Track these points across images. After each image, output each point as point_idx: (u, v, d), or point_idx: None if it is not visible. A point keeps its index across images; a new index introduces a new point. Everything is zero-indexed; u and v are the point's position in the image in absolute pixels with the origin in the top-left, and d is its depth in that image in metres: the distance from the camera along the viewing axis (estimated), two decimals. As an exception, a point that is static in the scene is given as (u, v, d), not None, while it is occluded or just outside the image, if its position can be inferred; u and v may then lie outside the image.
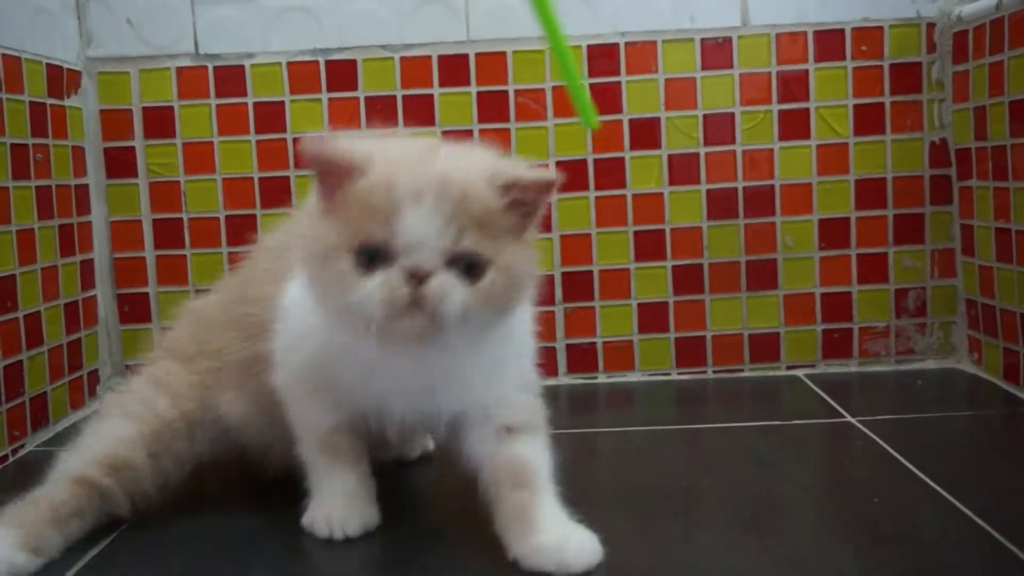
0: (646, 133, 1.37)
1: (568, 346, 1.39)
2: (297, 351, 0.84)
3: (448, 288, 0.69)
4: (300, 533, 0.86)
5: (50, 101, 1.28)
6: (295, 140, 1.38)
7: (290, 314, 0.85)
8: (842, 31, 1.36)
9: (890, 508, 0.87)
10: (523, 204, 0.73)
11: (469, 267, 0.70)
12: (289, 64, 1.37)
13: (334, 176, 0.72)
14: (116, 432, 0.90)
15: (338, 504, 0.85)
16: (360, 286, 0.70)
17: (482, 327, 0.74)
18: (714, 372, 1.41)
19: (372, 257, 0.70)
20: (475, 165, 0.72)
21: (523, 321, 0.84)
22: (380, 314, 0.69)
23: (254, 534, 0.88)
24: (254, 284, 0.92)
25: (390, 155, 0.72)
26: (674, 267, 1.39)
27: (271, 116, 1.38)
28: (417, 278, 0.69)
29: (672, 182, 1.37)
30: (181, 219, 1.39)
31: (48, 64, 1.28)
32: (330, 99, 1.38)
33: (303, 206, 0.88)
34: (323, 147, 0.72)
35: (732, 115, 1.37)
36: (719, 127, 1.37)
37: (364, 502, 0.86)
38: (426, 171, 0.70)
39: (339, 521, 0.84)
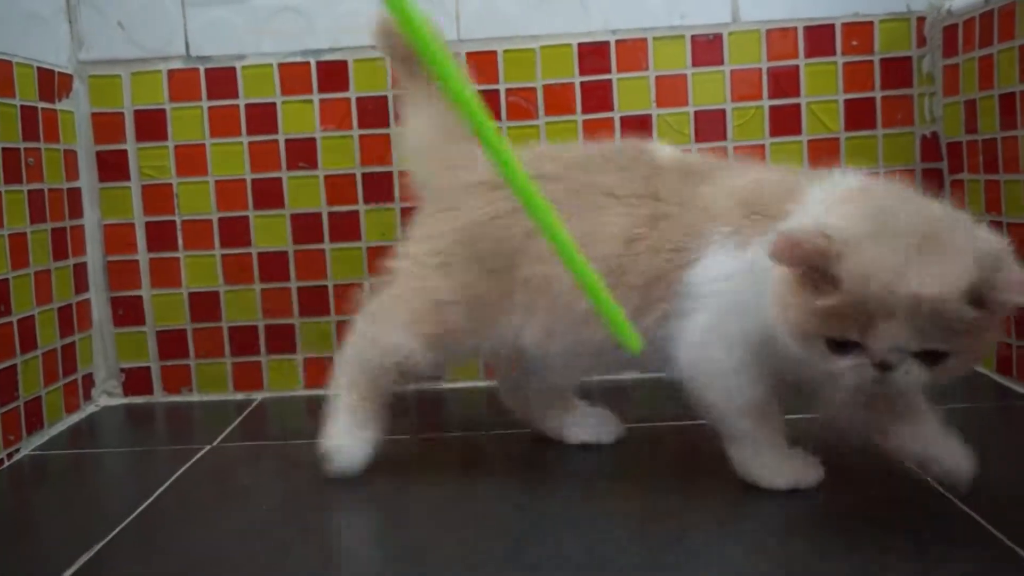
0: (638, 130, 1.37)
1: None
2: (730, 329, 0.88)
3: (912, 375, 0.75)
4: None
5: (41, 105, 1.28)
6: (287, 141, 1.38)
7: (720, 294, 0.88)
8: (832, 26, 1.36)
9: (884, 502, 0.88)
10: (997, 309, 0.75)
11: (932, 354, 0.74)
12: (280, 65, 1.37)
13: (809, 268, 0.75)
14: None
15: (791, 457, 0.93)
16: (833, 363, 0.76)
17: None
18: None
19: (844, 344, 0.75)
20: (951, 275, 0.72)
21: None
22: (848, 388, 0.77)
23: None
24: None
25: (862, 257, 0.73)
26: (667, 264, 1.39)
27: (263, 117, 1.38)
28: (886, 366, 0.75)
29: (664, 179, 1.37)
30: (174, 221, 1.39)
31: (39, 68, 1.28)
32: (321, 100, 1.38)
33: None
34: (798, 247, 0.75)
35: (723, 111, 1.37)
36: (710, 124, 1.37)
37: (806, 456, 0.94)
38: (899, 288, 0.72)
39: (800, 472, 0.92)
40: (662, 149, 0.99)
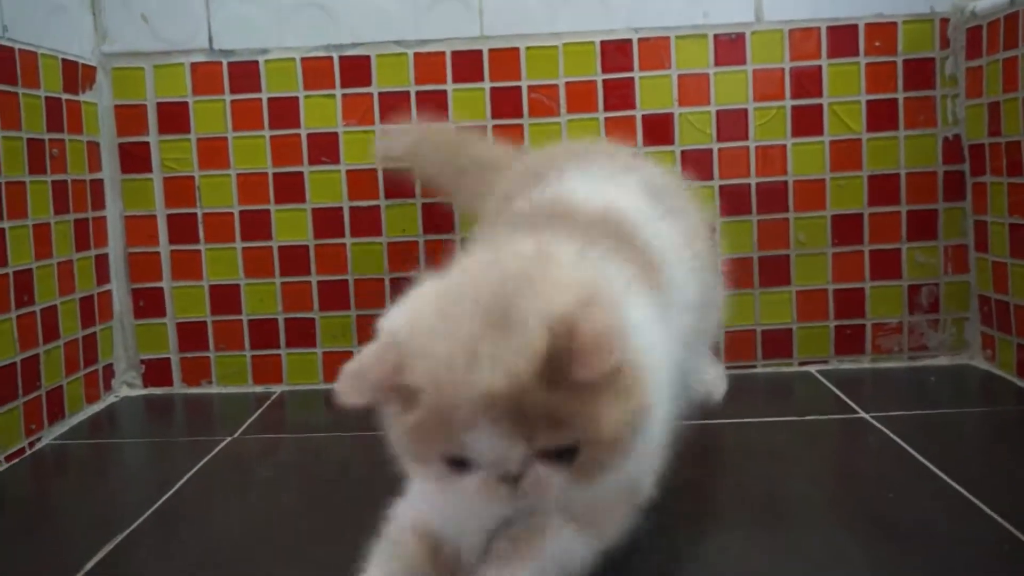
0: (659, 129, 1.37)
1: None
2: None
3: (544, 480, 0.62)
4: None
5: (65, 96, 1.28)
6: (309, 136, 1.38)
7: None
8: (855, 27, 1.36)
9: (904, 504, 0.88)
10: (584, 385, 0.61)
11: (559, 450, 0.61)
12: (303, 60, 1.38)
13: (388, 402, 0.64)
14: None
15: None
16: (462, 487, 0.63)
17: (602, 479, 0.65)
18: (727, 368, 1.40)
19: (463, 463, 0.62)
20: (516, 361, 0.59)
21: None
22: (486, 510, 0.66)
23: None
24: None
25: (426, 360, 0.61)
26: (687, 263, 1.39)
27: (285, 112, 1.38)
28: (513, 479, 0.62)
29: (685, 178, 1.38)
30: (195, 214, 1.40)
31: (64, 59, 1.28)
32: (344, 95, 1.38)
33: None
34: (362, 381, 0.63)
35: (745, 111, 1.37)
36: (732, 123, 1.37)
37: None
38: (464, 390, 0.59)
39: None
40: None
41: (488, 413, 0.59)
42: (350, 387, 0.62)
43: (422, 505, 0.71)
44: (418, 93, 1.38)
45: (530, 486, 0.62)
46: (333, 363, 1.39)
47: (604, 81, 1.37)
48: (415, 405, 0.61)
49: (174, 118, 1.39)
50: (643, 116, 1.37)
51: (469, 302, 0.62)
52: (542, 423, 0.59)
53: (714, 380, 1.08)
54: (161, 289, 1.41)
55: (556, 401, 0.59)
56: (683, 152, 1.37)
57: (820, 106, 1.37)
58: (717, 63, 1.37)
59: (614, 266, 0.70)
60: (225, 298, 1.41)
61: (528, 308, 0.60)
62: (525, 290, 0.62)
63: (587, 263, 0.68)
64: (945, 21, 1.35)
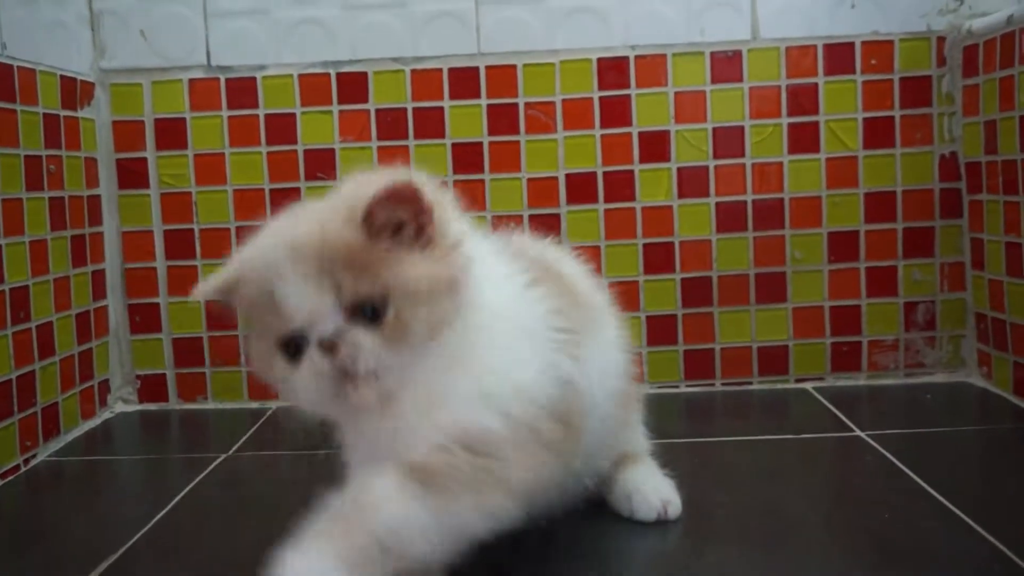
0: (656, 146, 1.37)
1: (577, 358, 1.39)
2: None
3: (362, 344, 0.65)
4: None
5: (63, 112, 1.29)
6: (306, 151, 1.39)
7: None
8: (852, 45, 1.36)
9: (899, 523, 0.87)
10: (398, 222, 0.68)
11: (374, 311, 0.66)
12: (300, 76, 1.38)
13: (236, 302, 0.71)
14: None
15: None
16: (297, 377, 0.67)
17: (415, 357, 0.67)
18: (723, 385, 1.41)
19: (291, 347, 0.67)
20: (325, 210, 0.68)
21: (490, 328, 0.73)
22: (320, 398, 0.68)
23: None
24: None
25: (248, 252, 0.70)
26: (683, 279, 1.39)
27: (282, 128, 1.39)
28: (330, 348, 0.65)
29: (681, 195, 1.38)
30: (192, 230, 1.40)
31: (62, 76, 1.29)
32: (341, 111, 1.38)
33: None
34: (201, 291, 0.72)
35: (742, 128, 1.37)
36: (729, 140, 1.37)
37: None
38: (277, 245, 0.66)
39: None
40: None
41: (295, 263, 0.65)
42: (198, 290, 0.71)
43: None
44: (415, 110, 1.38)
45: (347, 350, 0.65)
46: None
47: (601, 98, 1.37)
48: (247, 301, 0.68)
49: (172, 134, 1.39)
50: (639, 133, 1.37)
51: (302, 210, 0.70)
52: (349, 271, 0.65)
53: (642, 491, 0.92)
54: (157, 305, 1.41)
55: (364, 249, 0.65)
56: (679, 169, 1.37)
57: (816, 123, 1.37)
58: (714, 80, 1.37)
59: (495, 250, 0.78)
60: (221, 314, 1.40)
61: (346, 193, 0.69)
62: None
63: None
64: (942, 40, 1.36)
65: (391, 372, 0.66)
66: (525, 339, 0.74)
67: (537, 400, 0.71)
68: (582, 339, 0.78)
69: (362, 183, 0.68)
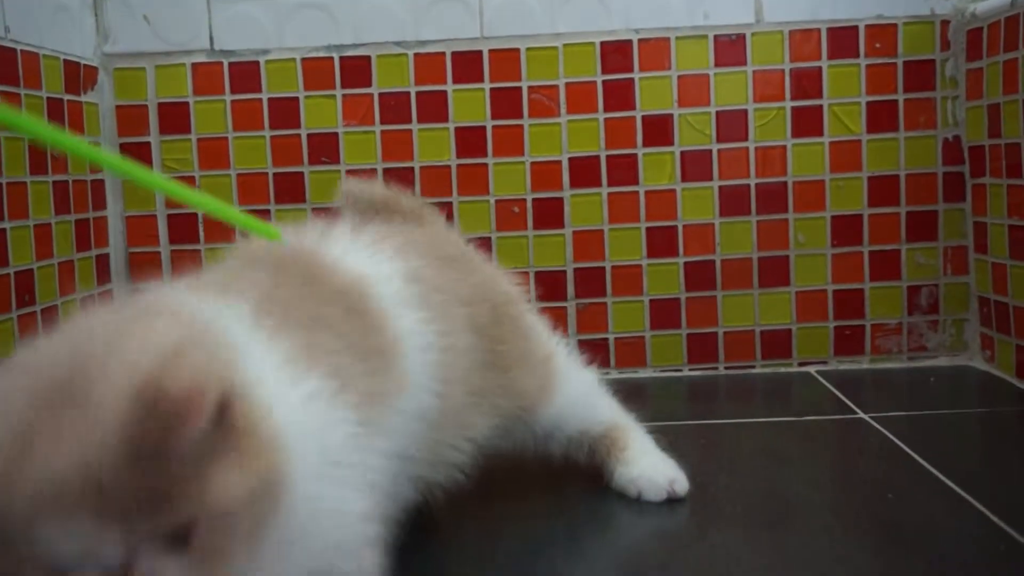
0: (659, 130, 1.37)
1: (580, 342, 1.40)
2: None
3: (158, 573, 0.47)
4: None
5: (67, 97, 1.29)
6: (309, 136, 1.39)
7: None
8: (855, 28, 1.36)
9: (903, 505, 0.88)
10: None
11: (175, 533, 0.48)
12: (303, 60, 1.38)
13: None
14: None
15: None
16: None
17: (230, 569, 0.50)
18: (726, 368, 1.41)
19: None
20: (96, 430, 0.46)
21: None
22: None
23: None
24: None
25: None
26: (686, 263, 1.39)
27: (285, 112, 1.39)
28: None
29: (685, 179, 1.38)
30: (196, 214, 1.40)
31: (66, 60, 1.29)
32: (344, 95, 1.38)
33: None
34: None
35: (745, 112, 1.37)
36: (732, 124, 1.37)
37: None
38: (26, 485, 0.45)
39: None
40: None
41: (57, 506, 0.45)
42: None
43: None
44: (418, 94, 1.38)
45: None
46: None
47: (604, 82, 1.37)
48: None
49: (175, 118, 1.39)
50: (643, 117, 1.37)
51: (25, 380, 0.49)
52: (139, 504, 0.46)
53: (646, 473, 0.92)
54: (162, 289, 1.41)
55: (153, 474, 0.46)
56: (683, 153, 1.37)
57: (820, 107, 1.37)
58: (717, 64, 1.37)
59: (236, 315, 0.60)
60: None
61: (107, 375, 0.47)
62: (104, 356, 0.49)
63: (199, 311, 0.57)
64: (946, 23, 1.35)
65: None
66: (350, 481, 0.61)
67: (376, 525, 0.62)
68: (392, 402, 0.68)
69: (118, 373, 0.47)
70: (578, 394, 0.94)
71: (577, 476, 0.98)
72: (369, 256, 0.76)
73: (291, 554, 0.55)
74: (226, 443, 0.49)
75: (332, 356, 0.63)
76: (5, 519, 0.45)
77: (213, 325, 0.56)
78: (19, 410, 0.47)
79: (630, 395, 1.33)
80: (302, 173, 1.39)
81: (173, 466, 0.46)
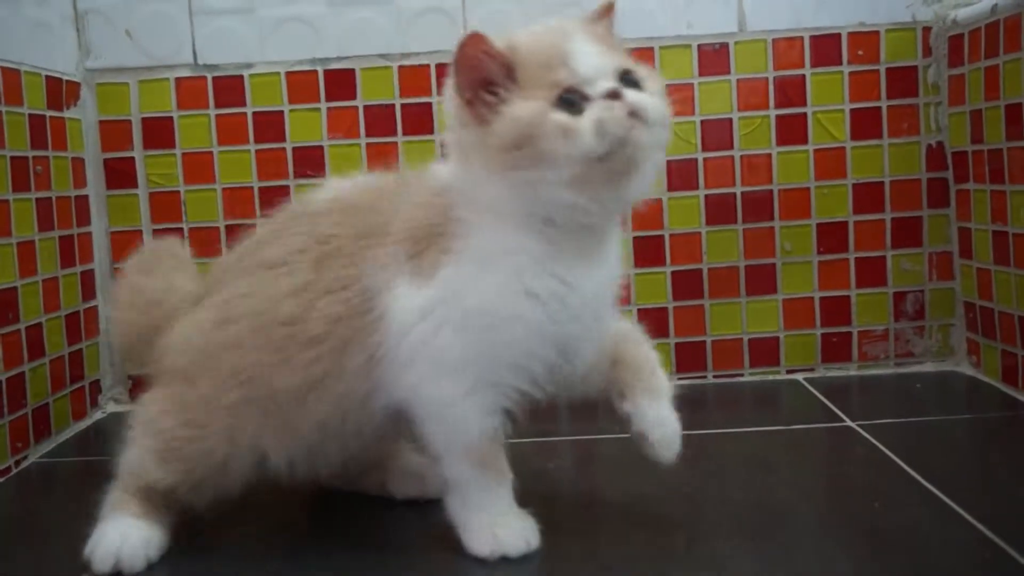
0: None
1: (568, 352, 1.39)
2: (448, 344, 0.78)
3: (643, 96, 0.75)
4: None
5: (49, 113, 1.28)
6: (294, 149, 1.38)
7: (421, 311, 0.79)
8: (838, 36, 1.37)
9: (890, 512, 0.88)
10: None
11: (635, 83, 0.77)
12: (288, 74, 1.38)
13: (498, 71, 0.77)
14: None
15: (504, 522, 0.82)
16: (583, 122, 0.74)
17: (660, 148, 0.78)
18: (714, 377, 1.41)
19: (571, 103, 0.74)
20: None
21: None
22: (615, 135, 0.73)
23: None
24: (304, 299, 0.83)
25: (522, 34, 0.80)
26: (673, 272, 1.39)
27: (270, 125, 1.38)
28: (616, 97, 0.74)
29: (671, 188, 1.38)
30: (181, 229, 1.40)
31: (47, 76, 1.28)
32: (329, 108, 1.38)
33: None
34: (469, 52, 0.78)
35: (730, 120, 1.38)
36: (717, 132, 1.38)
37: (525, 518, 0.83)
38: (560, 24, 0.80)
39: (510, 539, 0.81)
40: (325, 190, 0.91)
41: (583, 30, 0.79)
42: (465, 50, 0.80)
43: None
44: (403, 106, 1.38)
45: (632, 97, 0.74)
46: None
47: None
48: (514, 79, 0.77)
49: (159, 133, 1.39)
50: (628, 127, 1.37)
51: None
52: (616, 49, 0.80)
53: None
54: (147, 304, 1.41)
55: (615, 38, 0.83)
56: (668, 162, 1.37)
57: (804, 115, 1.37)
58: (701, 73, 1.37)
59: None
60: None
61: None
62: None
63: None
64: (927, 30, 1.36)
65: (653, 145, 0.76)
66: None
67: None
68: None
69: None
70: None
71: (567, 484, 0.98)
72: None
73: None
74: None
75: None
76: (552, 38, 0.79)
77: None
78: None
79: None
80: (287, 187, 1.39)
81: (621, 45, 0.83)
